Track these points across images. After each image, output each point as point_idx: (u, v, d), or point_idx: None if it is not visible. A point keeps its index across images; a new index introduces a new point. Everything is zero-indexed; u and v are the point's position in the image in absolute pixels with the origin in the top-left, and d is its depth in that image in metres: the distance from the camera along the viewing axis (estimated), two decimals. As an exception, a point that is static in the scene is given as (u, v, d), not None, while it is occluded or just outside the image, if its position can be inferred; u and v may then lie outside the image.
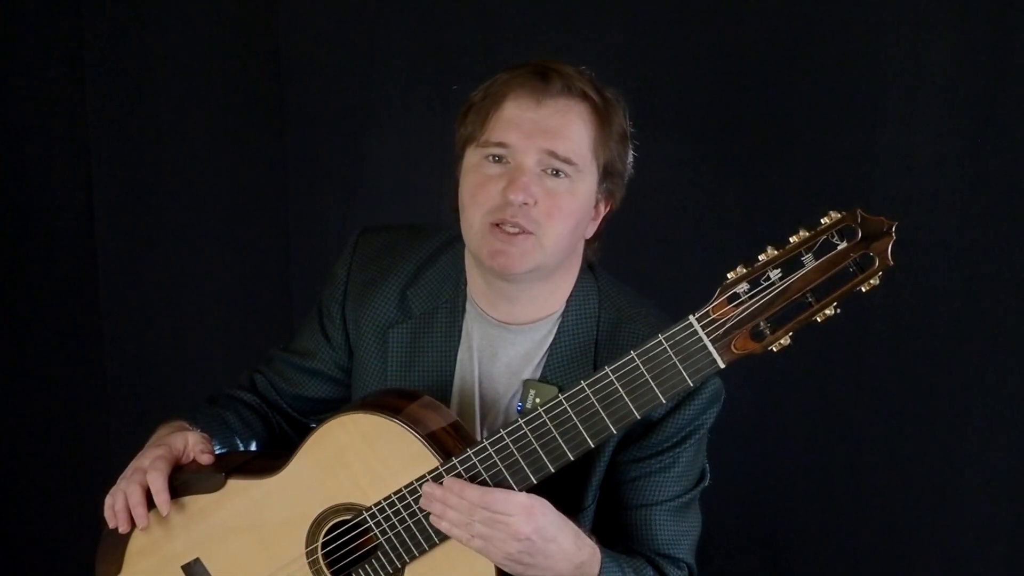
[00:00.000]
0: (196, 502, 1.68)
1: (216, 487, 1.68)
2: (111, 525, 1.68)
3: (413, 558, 1.59)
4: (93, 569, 1.78)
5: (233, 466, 1.70)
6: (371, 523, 1.59)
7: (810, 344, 2.35)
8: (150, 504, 1.66)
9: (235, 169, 2.76)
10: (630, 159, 1.72)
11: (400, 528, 1.58)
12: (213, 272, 2.79)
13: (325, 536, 1.64)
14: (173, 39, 2.72)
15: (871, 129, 2.33)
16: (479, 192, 1.63)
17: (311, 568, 1.65)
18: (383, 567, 1.61)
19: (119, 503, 1.67)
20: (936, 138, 2.29)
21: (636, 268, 2.11)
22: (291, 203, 2.72)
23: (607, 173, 1.68)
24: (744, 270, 1.38)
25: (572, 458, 1.51)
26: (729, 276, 1.39)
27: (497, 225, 1.61)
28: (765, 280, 1.37)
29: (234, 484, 1.68)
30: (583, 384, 1.48)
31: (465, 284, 1.76)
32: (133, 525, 1.68)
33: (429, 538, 1.57)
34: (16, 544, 2.96)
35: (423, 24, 2.56)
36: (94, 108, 2.78)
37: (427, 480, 1.55)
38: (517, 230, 1.61)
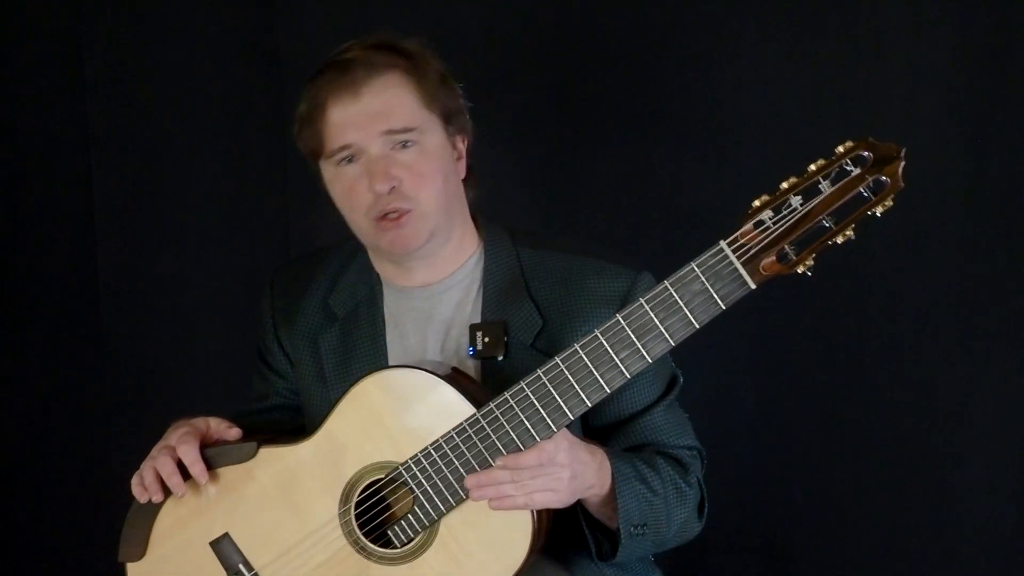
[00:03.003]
0: (226, 474, 1.69)
1: (248, 456, 1.68)
2: (143, 500, 1.69)
3: (450, 508, 1.60)
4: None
5: (264, 438, 1.71)
6: (407, 476, 1.61)
7: (810, 344, 2.38)
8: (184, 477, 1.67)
9: (235, 169, 2.75)
10: (461, 93, 1.78)
11: (437, 479, 1.59)
12: (213, 272, 2.79)
13: (359, 497, 1.64)
14: (173, 39, 2.72)
15: (871, 128, 2.32)
16: (351, 197, 1.71)
17: (344, 530, 1.65)
18: (419, 521, 1.61)
19: (148, 477, 1.67)
20: (936, 138, 2.29)
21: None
22: (291, 203, 2.72)
23: (448, 117, 1.73)
24: (767, 197, 1.47)
25: (609, 391, 1.54)
26: (754, 203, 1.47)
27: (381, 218, 1.68)
28: (787, 207, 1.46)
29: (266, 452, 1.68)
30: (619, 317, 1.51)
31: (377, 275, 1.82)
32: (161, 503, 1.69)
33: (465, 488, 1.59)
34: (16, 544, 2.96)
35: (423, 24, 2.55)
36: (94, 108, 2.78)
37: (465, 427, 1.57)
38: (398, 214, 1.67)
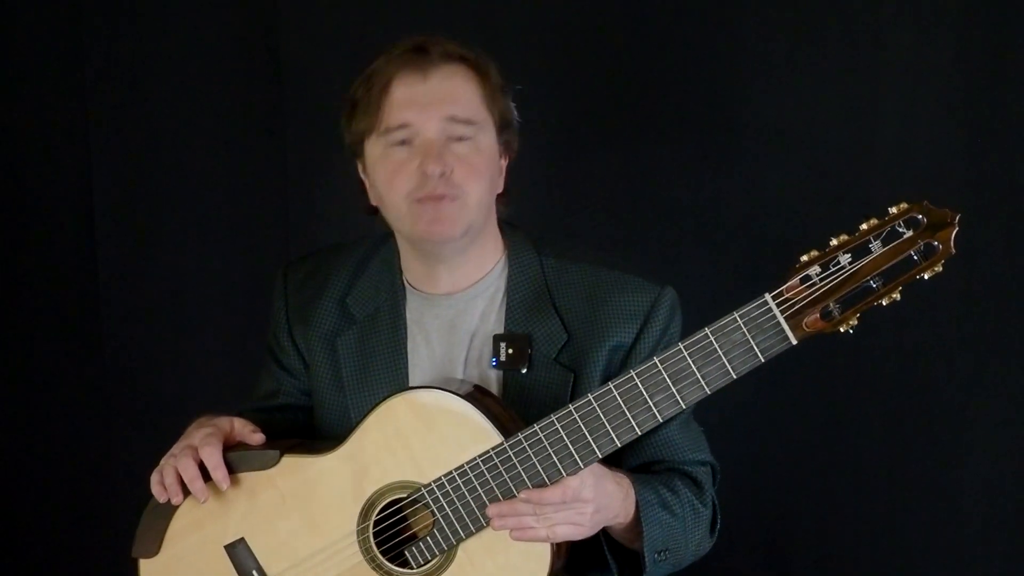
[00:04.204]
0: (246, 480, 1.67)
1: (269, 464, 1.67)
2: (161, 499, 1.67)
3: (470, 534, 1.59)
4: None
5: (287, 446, 1.70)
6: (429, 499, 1.59)
7: (811, 343, 2.38)
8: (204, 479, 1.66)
9: (235, 169, 2.75)
10: (514, 110, 1.78)
11: (459, 504, 1.58)
12: (213, 272, 2.79)
13: (378, 515, 1.63)
14: (173, 39, 2.72)
15: (871, 129, 2.33)
16: (395, 178, 1.68)
17: (361, 546, 1.64)
18: (437, 544, 1.61)
19: (169, 477, 1.65)
20: (936, 138, 2.29)
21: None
22: (291, 203, 2.72)
23: (502, 125, 1.73)
24: (816, 253, 1.45)
25: (639, 433, 1.53)
26: (802, 259, 1.45)
27: (422, 200, 1.66)
28: (835, 264, 1.44)
29: (288, 461, 1.67)
30: (656, 360, 1.50)
31: (401, 275, 1.79)
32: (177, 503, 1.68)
33: (487, 516, 1.58)
34: (16, 544, 2.96)
35: (423, 24, 2.55)
36: (94, 108, 2.78)
37: (491, 455, 1.56)
38: (442, 195, 1.65)
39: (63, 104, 2.80)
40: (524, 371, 1.70)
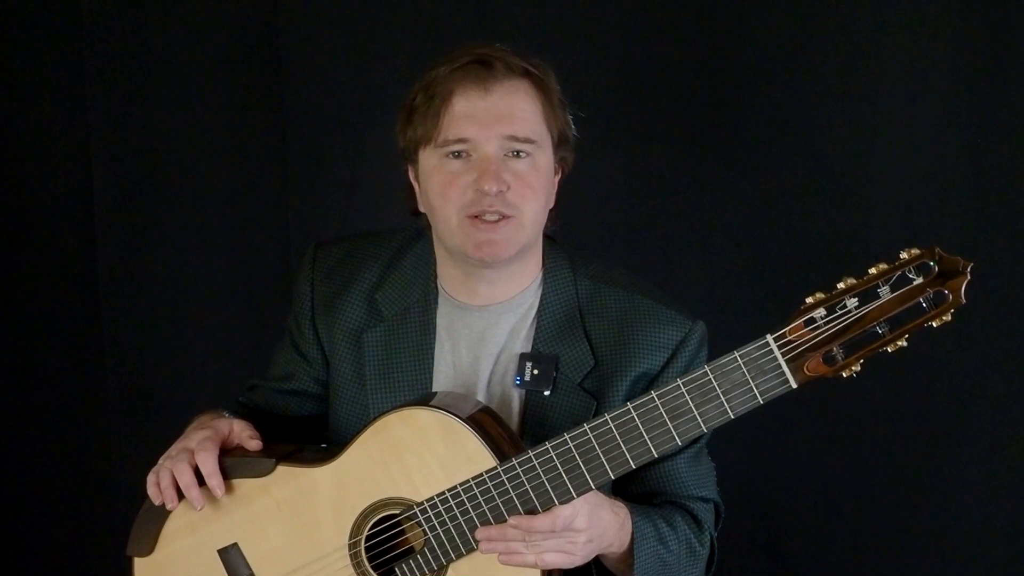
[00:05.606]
0: (241, 486, 1.68)
1: (264, 472, 1.67)
2: (156, 502, 1.67)
3: (460, 556, 1.59)
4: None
5: (283, 454, 1.69)
6: (421, 518, 1.59)
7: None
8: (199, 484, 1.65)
9: (235, 169, 2.76)
10: (572, 125, 1.75)
11: (450, 525, 1.58)
12: (213, 272, 2.79)
13: (370, 529, 1.63)
14: (173, 39, 2.72)
15: (871, 129, 2.33)
16: (449, 190, 1.64)
17: (352, 560, 1.64)
18: (427, 563, 1.61)
19: (165, 480, 1.65)
20: (936, 138, 2.29)
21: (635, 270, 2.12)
22: (291, 203, 2.72)
23: (560, 141, 1.70)
24: (822, 295, 1.42)
25: (634, 467, 1.51)
26: (808, 300, 1.42)
27: (475, 217, 1.63)
28: (841, 308, 1.41)
29: (283, 471, 1.67)
30: (653, 395, 1.49)
31: (435, 279, 1.76)
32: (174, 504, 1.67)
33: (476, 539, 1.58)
34: (16, 544, 2.96)
35: (423, 23, 2.56)
36: (94, 108, 2.78)
37: (484, 478, 1.55)
38: (497, 217, 1.63)
39: (63, 104, 2.80)
40: (547, 393, 1.68)
